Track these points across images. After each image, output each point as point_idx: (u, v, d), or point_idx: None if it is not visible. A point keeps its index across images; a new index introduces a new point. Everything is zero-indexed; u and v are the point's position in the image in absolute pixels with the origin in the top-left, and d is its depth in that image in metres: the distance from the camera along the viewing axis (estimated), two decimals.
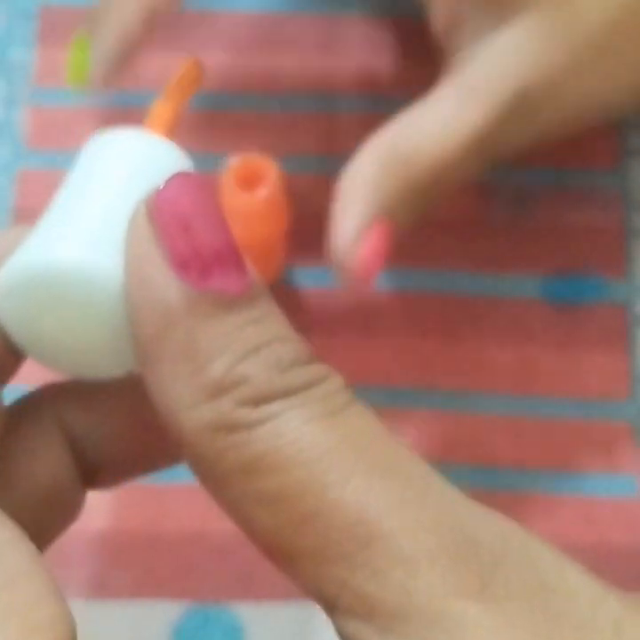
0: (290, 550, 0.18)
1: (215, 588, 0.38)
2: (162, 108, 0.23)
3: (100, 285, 0.19)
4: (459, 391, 0.41)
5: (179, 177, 0.20)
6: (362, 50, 0.46)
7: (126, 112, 0.44)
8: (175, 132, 0.23)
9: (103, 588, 0.38)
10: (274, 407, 0.18)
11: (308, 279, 0.43)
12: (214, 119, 0.45)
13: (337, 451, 0.18)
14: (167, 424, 0.19)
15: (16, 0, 0.47)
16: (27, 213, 0.43)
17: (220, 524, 0.39)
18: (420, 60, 0.45)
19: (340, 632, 0.18)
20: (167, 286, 0.19)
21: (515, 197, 0.44)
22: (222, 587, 0.38)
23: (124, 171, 0.21)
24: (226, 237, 0.19)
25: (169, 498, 0.39)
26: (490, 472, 0.40)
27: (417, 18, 0.42)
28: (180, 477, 0.38)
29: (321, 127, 0.45)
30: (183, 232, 0.19)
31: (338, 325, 0.42)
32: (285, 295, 0.43)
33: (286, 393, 0.18)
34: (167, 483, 0.39)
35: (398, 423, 0.41)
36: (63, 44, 0.45)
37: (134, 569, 0.39)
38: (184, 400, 0.18)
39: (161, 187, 0.19)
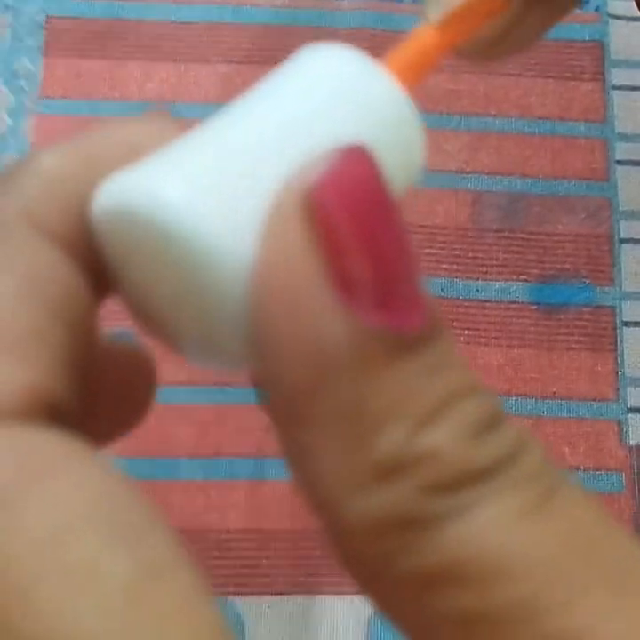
0: None
1: (215, 583, 0.39)
2: (424, 36, 0.16)
3: (218, 268, 0.14)
4: None
5: (360, 156, 0.13)
6: None
7: None
8: (424, 75, 0.16)
9: None
10: (470, 495, 0.13)
11: None
12: None
13: (560, 558, 0.13)
14: (320, 507, 0.14)
15: (22, 11, 0.48)
16: None
17: (219, 520, 0.40)
18: None
19: None
20: (327, 317, 0.13)
21: (505, 205, 0.45)
22: (222, 582, 0.39)
23: (315, 107, 0.15)
24: (411, 252, 0.13)
25: (169, 494, 0.40)
26: None
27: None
28: (180, 474, 0.40)
29: None
30: (361, 240, 0.13)
31: None
32: None
33: (486, 472, 0.13)
34: (167, 479, 0.40)
35: None
36: (69, 54, 0.46)
37: None
38: (345, 481, 0.13)
39: (325, 166, 0.13)
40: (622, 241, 0.44)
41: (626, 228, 0.44)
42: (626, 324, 0.43)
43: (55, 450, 0.13)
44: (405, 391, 0.13)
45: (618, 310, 0.43)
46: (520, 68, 0.46)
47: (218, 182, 0.14)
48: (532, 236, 0.44)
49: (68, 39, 0.47)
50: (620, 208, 0.45)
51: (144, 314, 0.17)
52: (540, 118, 0.45)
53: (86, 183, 0.16)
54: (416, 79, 0.15)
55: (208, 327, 0.15)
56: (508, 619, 0.12)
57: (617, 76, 0.47)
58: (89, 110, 0.46)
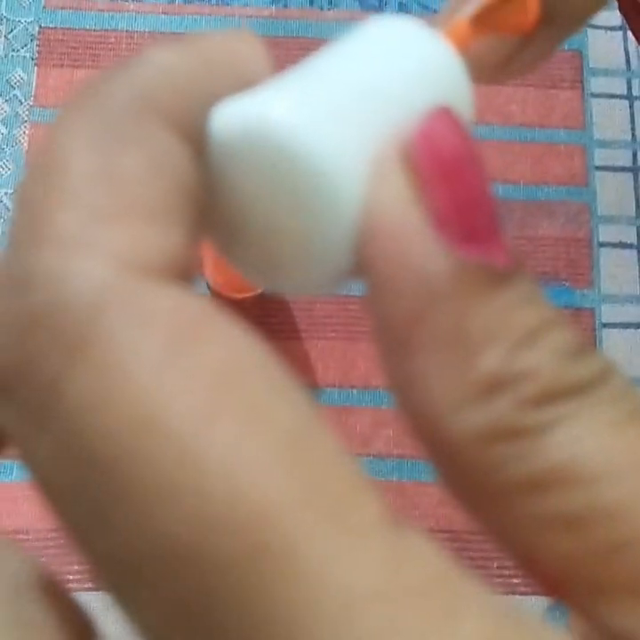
0: (591, 582, 0.14)
1: None
2: (459, 27, 0.18)
3: (335, 192, 0.16)
4: None
5: (445, 113, 0.16)
6: None
7: None
8: (468, 47, 0.18)
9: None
10: (567, 407, 0.14)
11: None
12: None
13: None
14: (424, 426, 0.15)
15: (16, 23, 0.49)
16: None
17: None
18: None
19: None
20: (429, 251, 0.15)
21: None
22: None
23: (400, 64, 0.17)
24: (492, 197, 0.15)
25: None
26: None
27: None
28: None
29: None
30: (450, 185, 0.15)
31: (322, 330, 0.44)
32: (270, 301, 0.45)
33: (580, 389, 0.14)
34: None
35: (380, 422, 0.43)
36: (61, 64, 0.47)
37: None
38: (451, 399, 0.14)
39: (422, 123, 0.16)
40: (601, 245, 0.45)
41: (604, 232, 0.45)
42: (605, 325, 0.44)
43: (212, 308, 0.14)
44: (502, 317, 0.14)
45: (597, 312, 0.44)
46: None
47: (333, 118, 0.16)
48: (514, 241, 0.45)
49: (61, 50, 0.48)
50: (599, 213, 0.46)
51: (233, 244, 0.18)
52: (520, 126, 0.46)
53: (203, 82, 0.16)
54: (464, 49, 0.18)
55: (309, 251, 0.16)
56: (608, 516, 0.14)
57: (595, 85, 0.48)
58: None
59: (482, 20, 0.19)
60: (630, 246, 0.45)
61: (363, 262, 0.16)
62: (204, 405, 0.13)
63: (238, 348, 0.14)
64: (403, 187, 0.15)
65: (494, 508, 0.15)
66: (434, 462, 0.15)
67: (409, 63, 0.17)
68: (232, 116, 0.16)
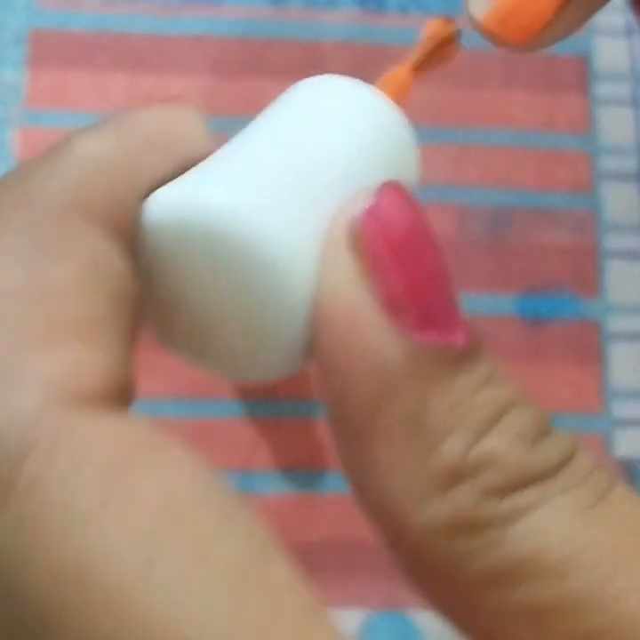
0: None
1: None
2: (400, 72, 0.18)
3: (281, 271, 0.15)
4: None
5: (393, 188, 0.15)
6: (345, 74, 0.47)
7: None
8: (403, 104, 0.18)
9: None
10: (531, 496, 0.14)
11: None
12: None
13: (619, 550, 0.14)
14: (384, 517, 0.15)
15: (7, 23, 0.48)
16: None
17: None
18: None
19: None
20: (383, 338, 0.14)
21: (491, 218, 0.45)
22: None
23: (339, 128, 0.16)
24: (447, 276, 0.15)
25: None
26: None
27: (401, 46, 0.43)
28: None
29: None
30: (402, 267, 0.14)
31: None
32: None
33: (542, 475, 0.14)
34: None
35: None
36: (54, 66, 0.46)
37: None
38: (412, 490, 0.14)
39: (368, 201, 0.15)
40: (607, 254, 0.44)
41: (611, 241, 0.45)
42: (611, 336, 0.43)
43: (149, 433, 0.13)
44: (461, 404, 0.14)
45: (603, 323, 0.43)
46: (504, 81, 0.46)
47: (273, 197, 0.15)
48: (518, 249, 0.44)
49: (53, 51, 0.47)
50: (605, 221, 0.45)
51: (173, 329, 0.17)
52: (524, 131, 0.46)
53: (133, 169, 0.16)
54: (399, 104, 0.17)
55: (256, 338, 0.16)
56: (576, 607, 0.13)
57: (601, 90, 0.47)
58: (74, 122, 0.46)
59: (421, 65, 0.19)
60: (637, 255, 0.44)
61: (315, 349, 0.15)
62: (144, 550, 0.12)
63: (178, 477, 0.13)
64: (351, 271, 0.14)
65: (459, 599, 0.14)
66: (395, 553, 0.15)
67: (349, 124, 0.16)
68: (168, 203, 0.15)
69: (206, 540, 0.12)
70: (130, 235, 0.16)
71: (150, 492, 0.12)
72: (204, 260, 0.15)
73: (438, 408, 0.14)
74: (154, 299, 0.17)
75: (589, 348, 0.43)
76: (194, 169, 0.16)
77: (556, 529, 0.14)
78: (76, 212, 0.15)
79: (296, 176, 0.16)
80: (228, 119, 0.48)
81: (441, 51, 0.19)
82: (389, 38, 0.47)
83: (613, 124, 0.47)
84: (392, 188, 0.15)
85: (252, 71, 0.47)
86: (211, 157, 0.17)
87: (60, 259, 0.14)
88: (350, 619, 0.39)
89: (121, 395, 0.14)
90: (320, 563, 0.40)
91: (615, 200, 0.45)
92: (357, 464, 0.15)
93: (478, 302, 0.43)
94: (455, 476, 0.14)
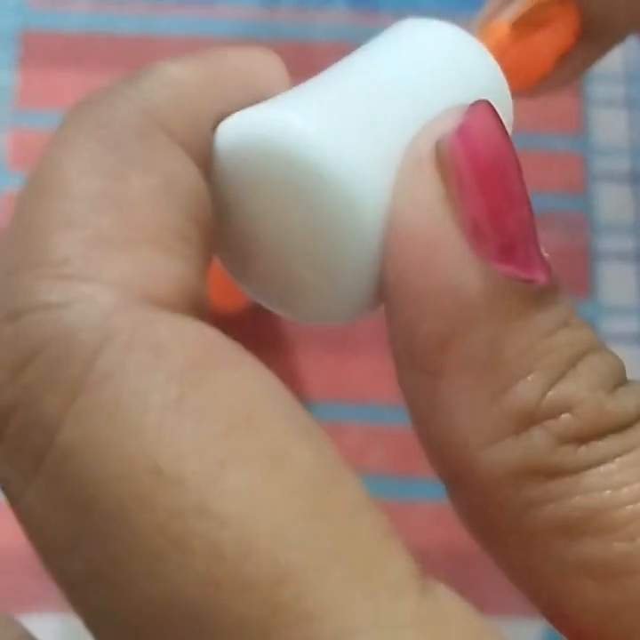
0: (625, 637, 0.13)
1: None
2: (500, 27, 0.18)
3: (355, 208, 0.14)
4: None
5: (486, 109, 0.14)
6: None
7: None
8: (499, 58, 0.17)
9: None
10: (608, 448, 0.13)
11: None
12: None
13: None
14: (449, 457, 0.14)
15: None
16: None
17: None
18: None
19: None
20: (464, 266, 0.13)
21: None
22: None
23: (428, 69, 0.16)
24: (531, 210, 0.14)
25: None
26: None
27: None
28: None
29: None
30: (490, 191, 0.14)
31: (314, 344, 0.43)
32: (263, 314, 0.44)
33: (621, 427, 0.13)
34: None
35: (372, 439, 0.41)
36: (45, 67, 0.46)
37: None
38: (482, 430, 0.13)
39: (460, 119, 0.14)
40: (599, 255, 0.44)
41: (603, 242, 0.45)
42: (604, 338, 0.43)
43: (228, 342, 0.13)
44: (539, 344, 0.14)
45: (596, 325, 0.43)
46: None
47: (353, 123, 0.14)
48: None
49: (45, 52, 0.47)
50: (597, 222, 0.45)
51: (245, 268, 0.16)
52: (516, 132, 0.45)
53: (212, 98, 0.15)
54: (501, 57, 0.17)
55: (330, 274, 0.15)
56: None
57: (594, 90, 0.47)
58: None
59: (523, 25, 0.18)
60: (629, 257, 0.44)
61: (388, 278, 0.14)
62: (218, 451, 0.12)
63: (254, 385, 0.13)
64: (434, 192, 0.14)
65: (523, 549, 0.14)
66: (455, 495, 0.15)
67: (443, 67, 0.16)
68: (243, 128, 0.15)
69: (284, 449, 0.12)
70: (206, 163, 0.15)
71: (227, 396, 0.12)
72: (277, 189, 0.15)
73: (515, 345, 0.13)
74: (225, 233, 0.16)
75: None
76: (272, 99, 0.16)
77: (633, 483, 0.13)
78: (155, 129, 0.14)
79: (383, 105, 0.15)
80: None
81: (545, 11, 0.18)
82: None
83: (605, 125, 0.47)
84: (486, 109, 0.14)
85: None
86: (291, 90, 0.16)
87: (141, 171, 0.14)
88: None
89: (195, 308, 0.14)
90: None
91: (607, 201, 0.45)
92: (424, 398, 0.14)
93: None
94: (529, 419, 0.13)
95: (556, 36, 0.23)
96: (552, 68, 0.24)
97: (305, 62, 0.47)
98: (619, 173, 0.46)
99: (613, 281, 0.44)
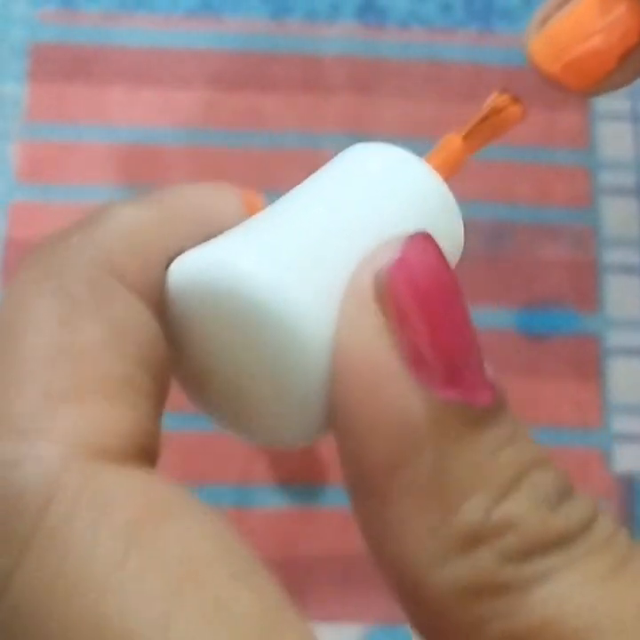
0: None
1: None
2: (453, 141, 0.18)
3: (302, 335, 0.15)
4: None
5: (425, 238, 0.15)
6: (345, 89, 0.48)
7: (113, 148, 0.45)
8: (450, 177, 0.18)
9: None
10: (552, 561, 0.13)
11: None
12: (198, 155, 0.46)
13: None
14: (401, 578, 0.14)
15: (7, 37, 0.48)
16: (19, 244, 0.44)
17: None
18: (399, 99, 0.46)
19: None
20: (406, 394, 0.14)
21: (490, 232, 0.45)
22: None
23: (373, 197, 0.16)
24: (474, 332, 0.15)
25: None
26: None
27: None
28: None
29: (306, 164, 0.46)
30: (429, 321, 0.14)
31: None
32: None
33: (564, 540, 0.14)
34: None
35: None
36: (54, 79, 0.46)
37: None
38: (430, 551, 0.14)
39: (399, 249, 0.14)
40: (606, 268, 0.44)
41: (610, 256, 0.45)
42: (610, 351, 0.43)
43: (172, 492, 0.13)
44: (483, 464, 0.14)
45: (602, 338, 0.43)
46: None
47: (298, 261, 0.15)
48: (517, 264, 0.44)
49: (53, 64, 0.47)
50: (604, 235, 0.45)
51: (202, 392, 0.17)
52: (524, 146, 0.46)
53: (166, 238, 0.16)
54: (446, 177, 0.17)
55: (280, 401, 0.16)
56: None
57: (600, 105, 0.47)
58: (74, 135, 0.46)
59: (474, 134, 0.18)
60: (636, 270, 0.45)
61: (335, 407, 0.15)
62: (163, 606, 0.12)
63: (198, 536, 0.13)
64: (375, 324, 0.14)
65: None
66: (411, 617, 0.15)
67: (389, 193, 0.16)
68: (192, 268, 0.16)
69: (222, 596, 0.12)
70: (159, 301, 0.16)
71: (171, 551, 0.12)
72: (224, 322, 0.15)
73: (459, 466, 0.14)
74: (182, 361, 0.17)
75: (589, 362, 0.43)
76: (221, 235, 0.16)
77: (577, 596, 0.13)
78: (109, 275, 0.15)
79: (323, 242, 0.15)
80: (228, 133, 0.48)
81: (497, 123, 0.18)
82: (389, 53, 0.48)
83: (612, 139, 0.47)
84: (422, 239, 0.14)
85: (251, 85, 0.47)
86: (239, 225, 0.17)
87: (91, 321, 0.14)
88: (349, 633, 0.39)
89: (145, 454, 0.14)
90: (318, 577, 0.40)
91: (614, 214, 0.45)
92: (375, 522, 0.14)
93: (478, 317, 0.43)
94: (476, 538, 0.13)
95: (618, 36, 0.23)
96: (614, 68, 0.24)
97: (313, 75, 0.48)
98: (625, 187, 0.46)
99: (620, 294, 0.44)
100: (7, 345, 0.14)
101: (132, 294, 0.15)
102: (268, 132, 0.47)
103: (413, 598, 0.14)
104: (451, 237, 0.16)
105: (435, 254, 0.14)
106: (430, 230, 0.15)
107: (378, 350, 0.14)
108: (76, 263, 0.15)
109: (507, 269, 0.44)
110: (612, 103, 0.47)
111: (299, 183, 0.17)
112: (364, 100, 0.47)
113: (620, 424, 0.42)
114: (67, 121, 0.46)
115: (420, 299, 0.14)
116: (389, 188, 0.16)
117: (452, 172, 0.17)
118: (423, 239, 0.14)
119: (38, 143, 0.46)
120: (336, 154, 0.18)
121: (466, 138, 0.18)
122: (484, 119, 0.18)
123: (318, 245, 0.15)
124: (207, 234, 0.16)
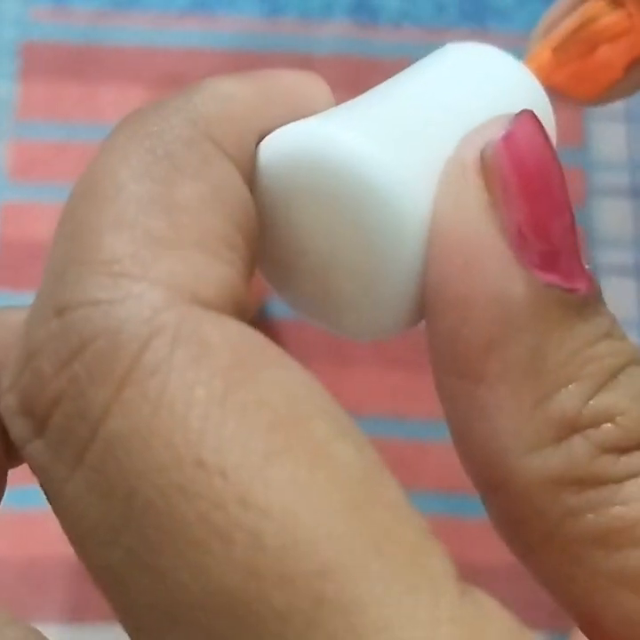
0: None
1: None
2: (540, 57, 0.17)
3: (401, 212, 0.14)
4: (426, 420, 0.42)
5: (531, 117, 0.14)
6: (337, 88, 0.47)
7: None
8: (551, 80, 0.17)
9: (79, 612, 0.39)
10: None
11: (281, 311, 0.44)
12: None
13: None
14: (488, 462, 0.14)
15: (0, 35, 0.48)
16: (10, 244, 0.44)
17: None
18: None
19: None
20: (507, 274, 0.13)
21: None
22: None
23: (471, 84, 0.16)
24: (574, 219, 0.14)
25: None
26: (458, 498, 0.41)
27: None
28: None
29: None
30: (534, 199, 0.14)
31: (310, 355, 0.43)
32: (260, 327, 0.44)
33: None
34: None
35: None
36: (46, 78, 0.46)
37: None
38: (522, 437, 0.13)
39: (506, 126, 0.14)
40: (600, 269, 0.45)
41: (603, 257, 0.45)
42: None
43: (271, 344, 0.13)
44: (582, 353, 0.13)
45: None
46: None
47: (396, 135, 0.15)
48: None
49: (46, 64, 0.47)
50: (597, 236, 0.45)
51: (287, 280, 0.17)
52: None
53: (259, 115, 0.16)
54: (547, 80, 0.17)
55: (373, 286, 0.15)
56: None
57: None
58: (66, 134, 0.46)
59: (565, 50, 0.17)
60: (629, 271, 0.45)
61: (431, 284, 0.14)
62: (261, 445, 0.12)
63: (298, 386, 0.13)
64: (479, 199, 0.14)
65: (559, 558, 0.14)
66: (492, 503, 0.14)
67: (486, 85, 0.16)
68: (288, 140, 0.15)
69: (324, 445, 0.12)
70: (250, 177, 0.16)
71: (271, 393, 0.12)
72: (319, 199, 0.15)
73: (557, 353, 0.13)
74: (267, 246, 0.16)
75: None
76: (316, 114, 0.16)
77: None
78: (205, 140, 0.15)
79: (422, 120, 0.15)
80: None
81: (593, 34, 0.17)
82: (382, 51, 0.47)
83: (606, 139, 0.47)
84: (531, 118, 0.14)
85: None
86: (335, 107, 0.17)
87: (190, 178, 0.14)
88: None
89: (239, 312, 0.14)
90: None
91: (607, 215, 0.45)
92: (465, 404, 0.14)
93: None
94: (571, 427, 0.13)
95: (624, 44, 0.23)
96: (621, 75, 0.24)
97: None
98: (618, 187, 0.46)
99: (614, 295, 0.44)
100: (106, 191, 0.14)
101: (230, 161, 0.15)
102: None
103: (499, 486, 0.14)
104: (548, 128, 0.16)
105: (542, 134, 0.14)
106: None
107: (480, 225, 0.14)
108: (174, 124, 0.15)
109: None
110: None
111: None
112: None
113: None
114: (59, 120, 0.46)
115: (527, 177, 0.14)
116: (487, 77, 0.16)
117: (549, 74, 0.17)
118: (531, 118, 0.14)
119: (30, 142, 0.46)
120: None
121: (556, 51, 0.17)
122: (577, 30, 0.17)
123: (418, 122, 0.15)
124: (300, 114, 0.16)
